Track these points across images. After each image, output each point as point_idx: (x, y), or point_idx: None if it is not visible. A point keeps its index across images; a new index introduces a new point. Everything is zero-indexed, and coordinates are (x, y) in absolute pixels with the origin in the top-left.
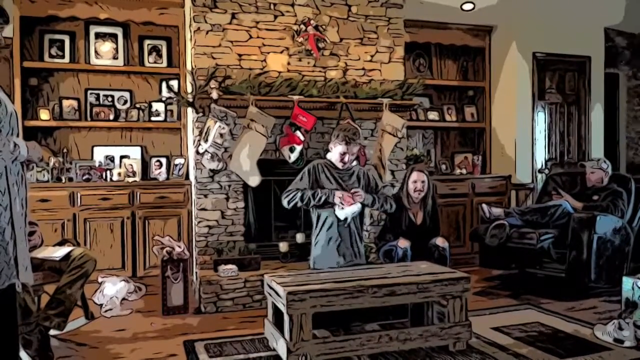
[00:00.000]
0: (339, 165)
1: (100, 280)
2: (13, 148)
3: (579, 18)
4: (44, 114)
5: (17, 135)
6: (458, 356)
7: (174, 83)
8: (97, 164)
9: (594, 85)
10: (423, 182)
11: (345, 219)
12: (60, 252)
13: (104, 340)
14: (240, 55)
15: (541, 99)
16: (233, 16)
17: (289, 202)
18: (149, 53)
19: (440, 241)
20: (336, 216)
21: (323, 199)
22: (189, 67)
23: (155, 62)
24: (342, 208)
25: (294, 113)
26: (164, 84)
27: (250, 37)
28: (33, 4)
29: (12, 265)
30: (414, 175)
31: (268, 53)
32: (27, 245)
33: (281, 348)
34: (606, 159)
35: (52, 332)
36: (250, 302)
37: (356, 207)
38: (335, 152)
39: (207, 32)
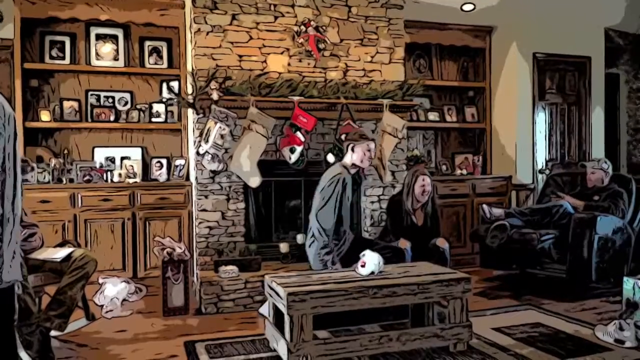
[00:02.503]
0: (366, 164)
1: (101, 281)
2: None
3: (579, 18)
4: (45, 115)
5: (16, 138)
6: (458, 357)
7: (175, 84)
8: (97, 165)
9: (595, 85)
10: (429, 184)
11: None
12: (61, 253)
13: (105, 341)
14: (240, 56)
15: (541, 99)
16: (233, 17)
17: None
18: (150, 54)
19: (440, 242)
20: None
21: (330, 262)
22: (189, 68)
23: (155, 63)
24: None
25: (295, 114)
26: (164, 85)
27: (251, 38)
28: (34, 5)
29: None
30: (421, 180)
31: (268, 54)
32: (17, 243)
33: (282, 349)
34: (607, 159)
35: (53, 333)
36: (251, 303)
37: (377, 258)
38: (359, 152)
39: (207, 33)
